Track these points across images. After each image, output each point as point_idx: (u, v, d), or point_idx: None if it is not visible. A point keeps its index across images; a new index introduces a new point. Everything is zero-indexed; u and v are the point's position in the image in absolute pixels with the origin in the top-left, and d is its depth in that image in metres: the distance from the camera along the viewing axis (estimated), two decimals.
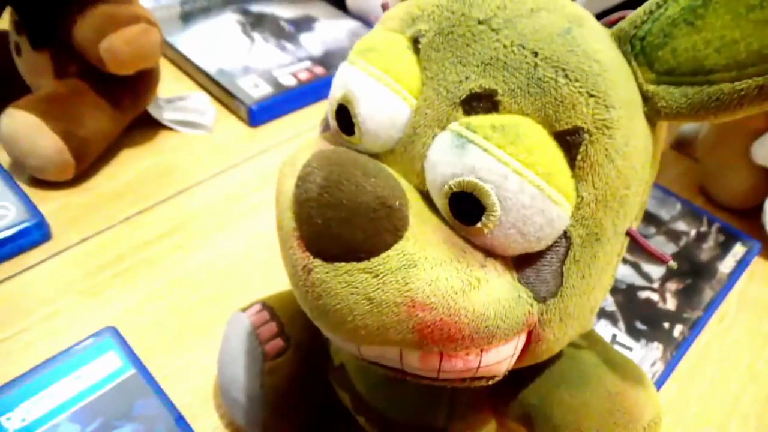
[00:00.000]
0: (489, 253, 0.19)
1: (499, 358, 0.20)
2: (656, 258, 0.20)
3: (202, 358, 0.36)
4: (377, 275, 0.18)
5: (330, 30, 0.66)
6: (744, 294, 0.44)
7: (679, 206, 0.49)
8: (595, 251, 0.20)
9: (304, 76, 0.59)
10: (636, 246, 0.21)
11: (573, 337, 0.22)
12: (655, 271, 0.44)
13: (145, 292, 0.40)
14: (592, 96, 0.18)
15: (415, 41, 0.21)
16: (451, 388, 0.22)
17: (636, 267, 0.44)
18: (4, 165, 0.46)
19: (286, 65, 0.60)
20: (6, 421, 0.30)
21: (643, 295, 0.42)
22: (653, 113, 0.20)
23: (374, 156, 0.21)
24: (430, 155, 0.19)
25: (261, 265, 0.42)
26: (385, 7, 0.24)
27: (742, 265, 0.45)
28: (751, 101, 0.18)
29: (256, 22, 0.65)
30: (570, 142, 0.18)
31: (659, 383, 0.38)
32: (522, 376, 0.24)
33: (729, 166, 0.49)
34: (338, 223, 0.18)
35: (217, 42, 0.61)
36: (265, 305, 0.32)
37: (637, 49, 0.19)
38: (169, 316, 0.39)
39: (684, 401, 0.37)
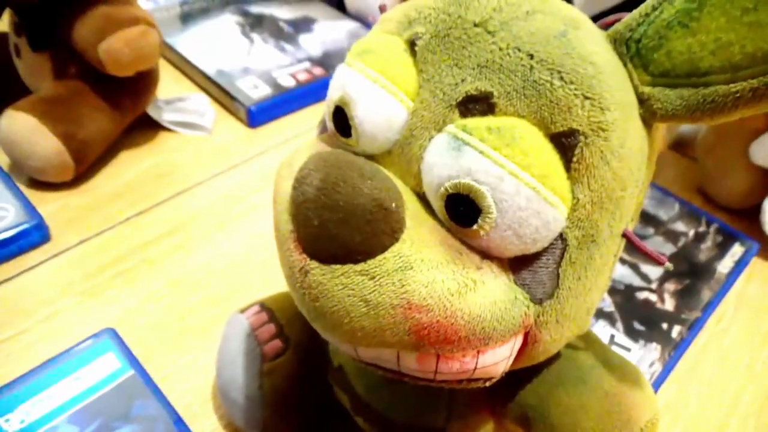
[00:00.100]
0: (485, 255, 0.19)
1: (496, 360, 0.20)
2: (652, 259, 0.20)
3: (201, 359, 0.36)
4: (374, 277, 0.18)
5: (329, 31, 0.66)
6: (742, 294, 0.44)
7: (677, 206, 0.49)
8: (591, 253, 0.20)
9: (303, 77, 0.59)
10: (633, 247, 0.21)
11: (570, 339, 0.22)
12: (654, 271, 0.44)
13: (145, 293, 0.40)
14: (587, 98, 0.18)
15: (411, 43, 0.21)
16: (449, 389, 0.22)
17: (634, 267, 0.44)
18: (3, 166, 0.46)
19: (285, 66, 0.60)
20: (5, 422, 0.30)
21: (642, 295, 0.42)
22: (649, 115, 0.20)
23: (371, 158, 0.21)
24: (426, 157, 0.19)
25: (260, 266, 0.42)
26: (382, 9, 0.24)
27: (740, 265, 0.45)
28: (746, 103, 0.18)
29: (256, 23, 0.65)
30: (565, 144, 0.18)
31: (658, 384, 0.38)
32: (519, 377, 0.24)
33: (728, 167, 0.49)
34: (335, 225, 0.18)
35: (217, 43, 0.61)
36: (264, 306, 0.32)
37: (632, 52, 0.19)
38: (169, 317, 0.39)
39: (682, 402, 0.37)
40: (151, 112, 0.51)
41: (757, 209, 0.47)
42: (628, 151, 0.19)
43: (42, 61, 0.46)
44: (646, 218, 0.48)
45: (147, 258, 0.42)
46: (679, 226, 0.48)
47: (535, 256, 0.19)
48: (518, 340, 0.20)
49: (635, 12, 0.19)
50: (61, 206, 0.45)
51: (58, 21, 0.44)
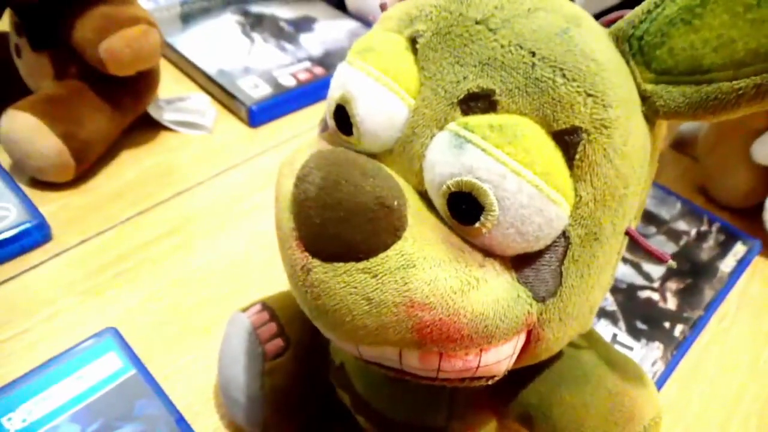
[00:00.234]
0: (488, 253, 0.19)
1: (499, 358, 0.20)
2: (655, 257, 0.20)
3: (203, 358, 0.36)
4: (376, 275, 0.18)
5: (329, 30, 0.66)
6: (744, 293, 0.44)
7: (679, 206, 0.49)
8: (594, 251, 0.20)
9: (303, 76, 0.59)
10: (635, 245, 0.21)
11: (572, 337, 0.22)
12: (656, 270, 0.44)
13: (146, 293, 0.40)
14: (590, 95, 0.18)
15: (413, 41, 0.21)
16: (450, 387, 0.22)
17: (636, 266, 0.44)
18: (4, 166, 0.46)
19: (286, 66, 0.60)
20: (7, 421, 0.30)
21: (644, 294, 0.42)
22: (651, 112, 0.20)
23: (372, 156, 0.21)
24: (428, 155, 0.19)
25: (261, 265, 0.42)
26: (383, 8, 0.24)
27: (742, 264, 0.45)
28: (749, 100, 0.18)
29: (256, 23, 0.65)
30: (568, 141, 0.18)
31: (660, 383, 0.38)
32: (522, 375, 0.24)
33: (729, 166, 0.49)
34: (337, 223, 0.18)
35: (217, 43, 0.61)
36: (266, 305, 0.32)
37: (635, 49, 0.19)
38: (170, 316, 0.39)
39: (685, 401, 0.37)
40: (152, 111, 0.51)
41: (758, 208, 0.47)
42: (631, 148, 0.19)
43: (42, 60, 0.46)
44: (648, 217, 0.48)
45: (148, 257, 0.42)
46: (681, 225, 0.47)
47: (538, 254, 0.19)
48: (521, 339, 0.20)
49: (637, 9, 0.19)
50: (63, 206, 0.45)
51: (59, 21, 0.44)
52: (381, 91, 0.20)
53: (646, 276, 0.43)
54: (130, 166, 0.49)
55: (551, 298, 0.20)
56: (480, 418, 0.28)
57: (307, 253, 0.19)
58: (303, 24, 0.66)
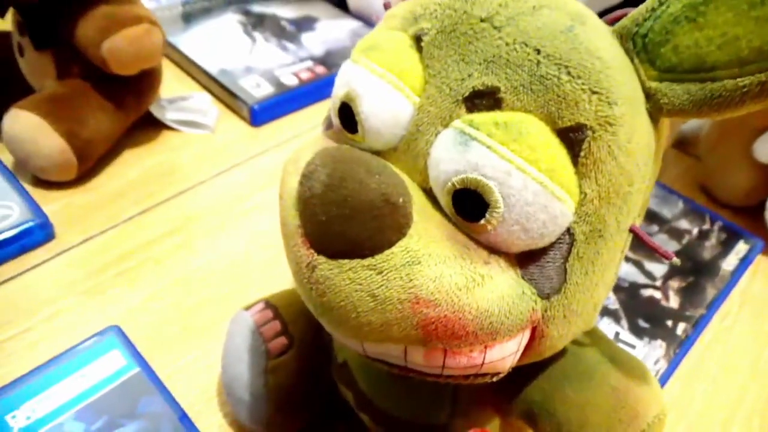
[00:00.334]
0: (492, 250, 0.19)
1: (503, 355, 0.20)
2: (659, 254, 0.20)
3: (206, 356, 0.36)
4: (381, 272, 0.18)
5: (331, 30, 0.66)
6: (747, 292, 0.44)
7: (681, 204, 0.49)
8: (598, 248, 0.20)
9: (305, 75, 0.59)
10: (639, 243, 0.21)
11: (576, 334, 0.22)
12: (658, 269, 0.44)
13: (149, 291, 0.40)
14: (594, 93, 0.18)
15: (417, 39, 0.21)
16: (454, 385, 0.22)
17: (639, 265, 0.44)
18: (8, 165, 0.46)
19: (288, 65, 0.60)
20: (11, 419, 0.30)
21: (646, 293, 0.42)
22: (656, 110, 0.20)
23: (377, 154, 0.21)
24: (433, 153, 0.19)
25: (263, 264, 0.42)
26: (387, 6, 0.24)
27: (744, 262, 0.45)
28: (753, 98, 0.18)
29: (258, 22, 0.65)
30: (573, 138, 0.18)
31: (662, 381, 0.38)
32: (525, 372, 0.24)
33: (731, 164, 0.49)
34: (342, 220, 0.18)
35: (219, 42, 0.61)
36: (269, 304, 0.32)
37: (639, 47, 0.19)
38: (173, 314, 0.39)
39: (687, 399, 0.37)
40: (154, 111, 0.52)
41: (760, 207, 0.47)
42: (636, 145, 0.19)
43: (45, 60, 0.46)
44: (650, 216, 0.48)
45: (150, 256, 0.42)
46: (683, 224, 0.48)
47: (543, 251, 0.19)
48: (525, 335, 0.20)
49: (642, 7, 0.19)
50: (65, 205, 0.45)
51: (61, 20, 0.44)
52: (386, 89, 0.20)
53: (649, 274, 0.43)
54: (133, 165, 0.49)
55: (556, 295, 0.20)
56: (483, 415, 0.28)
57: (312, 250, 0.19)
58: (304, 23, 0.66)
